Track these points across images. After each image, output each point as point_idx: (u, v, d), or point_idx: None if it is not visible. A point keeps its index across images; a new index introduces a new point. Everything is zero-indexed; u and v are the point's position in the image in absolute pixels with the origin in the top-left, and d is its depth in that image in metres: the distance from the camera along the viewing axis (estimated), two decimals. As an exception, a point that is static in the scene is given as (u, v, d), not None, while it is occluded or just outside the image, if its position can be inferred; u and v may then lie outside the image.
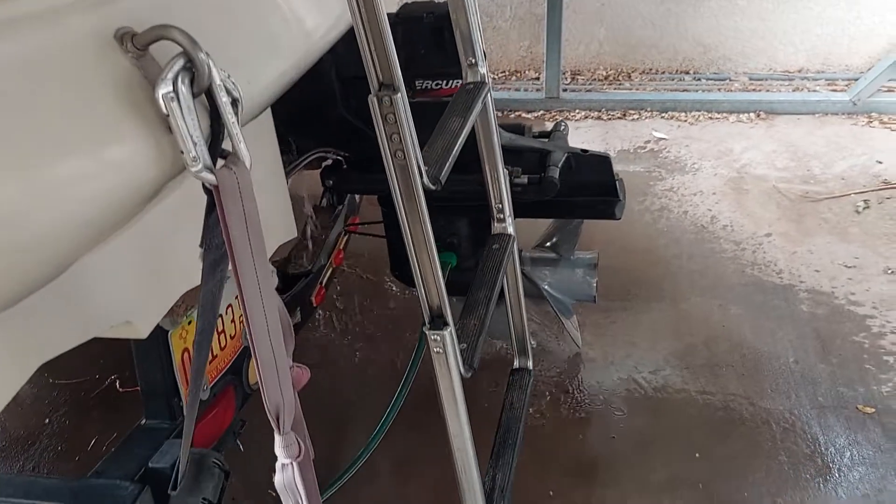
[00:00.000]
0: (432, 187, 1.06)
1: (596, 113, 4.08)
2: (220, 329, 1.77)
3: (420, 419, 2.21)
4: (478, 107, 1.31)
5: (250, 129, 1.61)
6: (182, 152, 0.72)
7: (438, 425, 2.23)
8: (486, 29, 4.44)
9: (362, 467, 2.07)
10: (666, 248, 3.03)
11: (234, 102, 0.77)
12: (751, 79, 4.15)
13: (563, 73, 4.30)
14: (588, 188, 2.12)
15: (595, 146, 3.79)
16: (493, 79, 4.48)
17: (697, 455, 2.15)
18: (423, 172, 1.03)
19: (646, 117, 4.01)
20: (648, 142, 3.80)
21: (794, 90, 4.03)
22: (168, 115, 0.71)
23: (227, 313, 1.79)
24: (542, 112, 4.13)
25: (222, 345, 1.78)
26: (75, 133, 0.70)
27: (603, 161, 2.10)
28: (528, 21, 4.36)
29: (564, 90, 4.16)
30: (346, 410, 2.42)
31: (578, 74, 4.42)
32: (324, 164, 2.23)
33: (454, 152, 1.14)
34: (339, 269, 2.56)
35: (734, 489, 2.05)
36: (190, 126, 0.72)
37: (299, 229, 2.37)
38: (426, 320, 1.12)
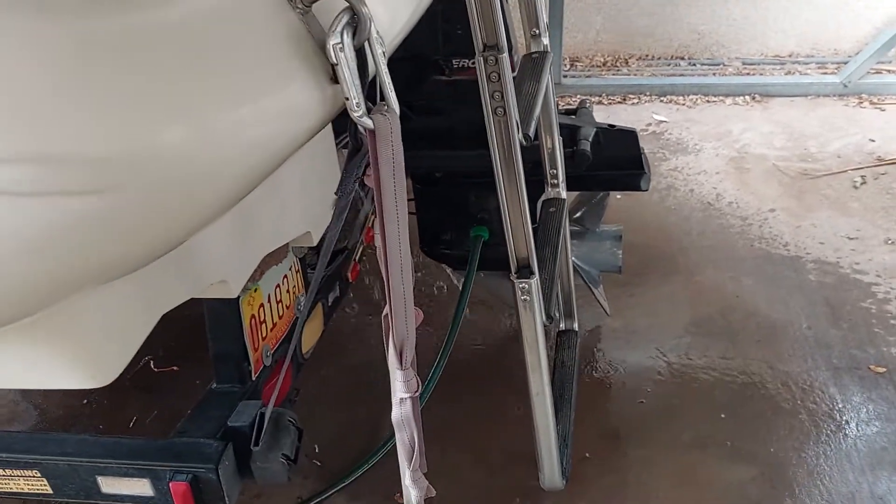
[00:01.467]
0: (524, 142, 1.13)
1: (597, 98, 4.18)
2: (277, 299, 1.83)
3: (456, 392, 2.29)
4: (546, 73, 1.39)
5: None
6: (347, 99, 0.79)
7: (474, 396, 2.30)
8: (485, 18, 4.52)
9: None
10: (676, 225, 3.14)
11: (383, 54, 0.84)
12: (744, 63, 4.29)
13: (563, 60, 4.40)
14: (616, 161, 2.21)
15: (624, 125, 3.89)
16: (493, 67, 4.56)
17: (723, 416, 2.26)
18: (520, 128, 1.11)
19: (645, 101, 4.12)
20: (650, 125, 3.91)
21: (786, 74, 4.16)
22: (336, 65, 0.78)
23: (283, 282, 1.86)
24: (543, 98, 4.22)
25: (280, 314, 1.84)
26: (251, 81, 0.76)
27: (629, 135, 2.19)
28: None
29: (565, 76, 4.26)
30: (381, 386, 2.49)
31: (577, 61, 4.52)
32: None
33: (536, 113, 1.22)
34: (369, 247, 2.63)
35: (760, 446, 2.15)
36: (353, 74, 0.79)
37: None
38: (513, 269, 1.20)
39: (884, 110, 3.82)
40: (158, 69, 0.72)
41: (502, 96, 1.06)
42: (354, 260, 2.43)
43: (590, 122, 2.24)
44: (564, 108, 2.39)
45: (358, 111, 0.81)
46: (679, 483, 2.07)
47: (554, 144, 1.62)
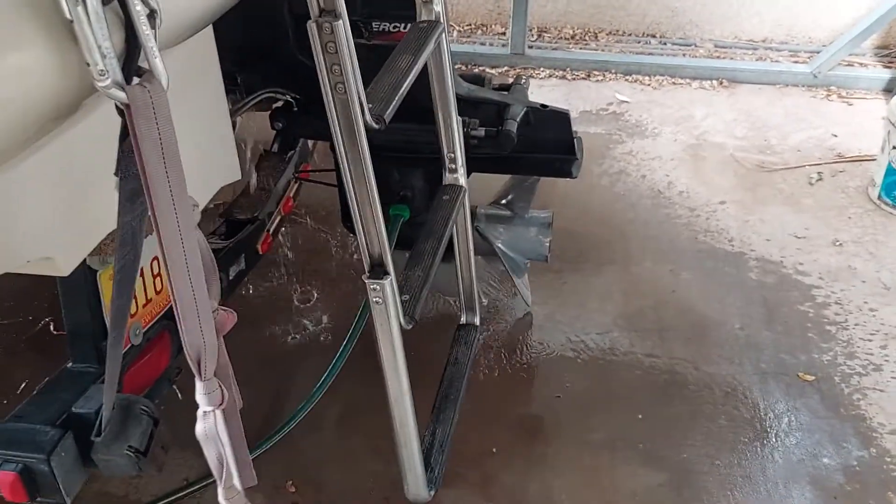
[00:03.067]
0: (375, 126, 1.00)
1: (561, 72, 4.03)
2: (155, 272, 1.70)
3: (368, 371, 2.18)
4: (430, 46, 1.25)
5: (192, 61, 1.53)
6: (88, 64, 0.65)
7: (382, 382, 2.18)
8: (453, -20, 4.33)
9: (307, 418, 2.04)
10: (622, 212, 3.02)
11: (152, 14, 0.70)
12: (716, 46, 4.13)
13: (530, 30, 4.22)
14: (546, 145, 2.08)
15: (558, 105, 3.73)
16: (458, 31, 4.39)
17: (640, 416, 2.17)
18: (366, 109, 0.97)
19: (610, 79, 3.97)
20: (611, 104, 3.77)
21: (757, 59, 4.02)
22: (72, 21, 0.64)
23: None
24: (506, 68, 4.06)
25: (158, 288, 1.71)
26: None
27: (562, 117, 2.06)
28: (497, -26, 4.26)
29: (530, 47, 4.09)
30: (291, 362, 2.38)
31: (545, 31, 4.35)
32: (274, 105, 2.15)
33: (401, 91, 1.08)
34: (288, 218, 2.49)
35: (673, 450, 2.07)
36: (98, 35, 0.65)
37: (245, 172, 2.29)
38: (366, 269, 1.07)
39: (851, 104, 3.69)
40: None
41: (342, 70, 0.92)
42: (268, 231, 2.29)
43: (521, 100, 2.09)
44: (498, 83, 2.24)
45: (103, 80, 0.67)
46: (583, 485, 1.99)
47: (451, 126, 1.48)
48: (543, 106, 2.05)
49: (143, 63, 0.72)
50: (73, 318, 1.48)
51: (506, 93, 2.15)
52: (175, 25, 0.85)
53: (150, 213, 0.78)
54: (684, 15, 4.15)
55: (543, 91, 3.89)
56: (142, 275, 1.64)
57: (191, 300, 0.84)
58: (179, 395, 2.22)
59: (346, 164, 0.99)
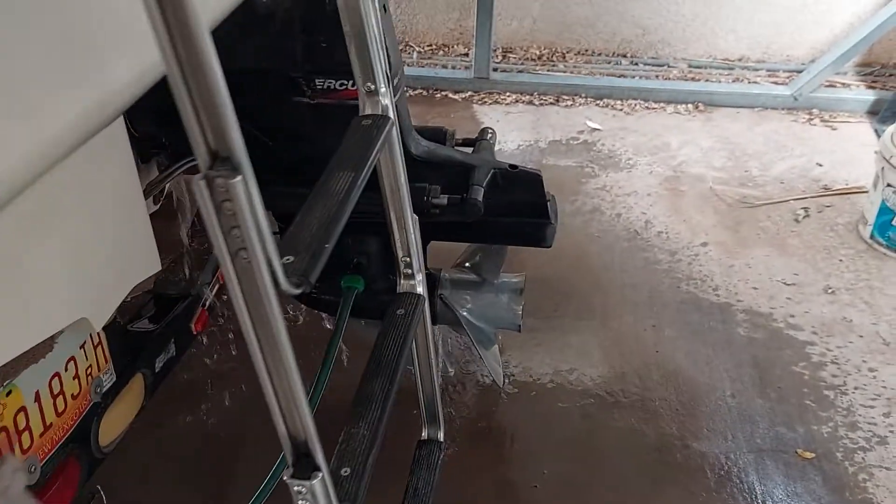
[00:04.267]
0: (296, 292, 0.75)
1: (528, 97, 3.79)
2: (55, 391, 1.42)
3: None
4: (377, 150, 0.99)
5: (94, 144, 1.27)
6: None
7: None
8: (412, -3, 4.07)
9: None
10: (598, 256, 2.79)
11: None
12: (690, 66, 3.93)
13: (494, 51, 3.98)
14: (516, 209, 1.83)
15: (526, 135, 3.51)
16: (419, 52, 4.12)
17: (627, 506, 1.94)
18: (279, 274, 0.71)
19: (580, 104, 3.74)
20: (582, 132, 3.54)
21: (733, 80, 3.82)
22: None
23: (66, 369, 1.44)
24: (470, 93, 3.81)
25: (59, 409, 1.43)
26: None
27: (533, 179, 1.81)
28: (458, -9, 4.01)
29: (495, 69, 3.85)
30: (232, 447, 2.11)
31: (510, 52, 4.10)
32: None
33: (339, 226, 0.83)
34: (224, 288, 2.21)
35: (666, 550, 1.85)
36: None
37: (178, 246, 2.02)
38: (289, 462, 0.81)
39: (835, 129, 3.51)
40: None
41: (242, 234, 0.66)
42: (203, 307, 2.02)
43: (488, 160, 1.85)
44: (462, 138, 1.99)
45: None
46: None
47: (406, 227, 1.22)
48: (512, 167, 1.81)
49: None
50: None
51: (470, 150, 1.91)
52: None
53: None
54: (655, 33, 3.94)
55: (510, 118, 3.65)
56: (38, 399, 1.36)
57: None
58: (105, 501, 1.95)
59: (254, 341, 0.73)
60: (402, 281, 1.26)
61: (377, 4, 1.07)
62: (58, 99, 0.69)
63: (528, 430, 2.14)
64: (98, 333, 1.54)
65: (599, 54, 4.05)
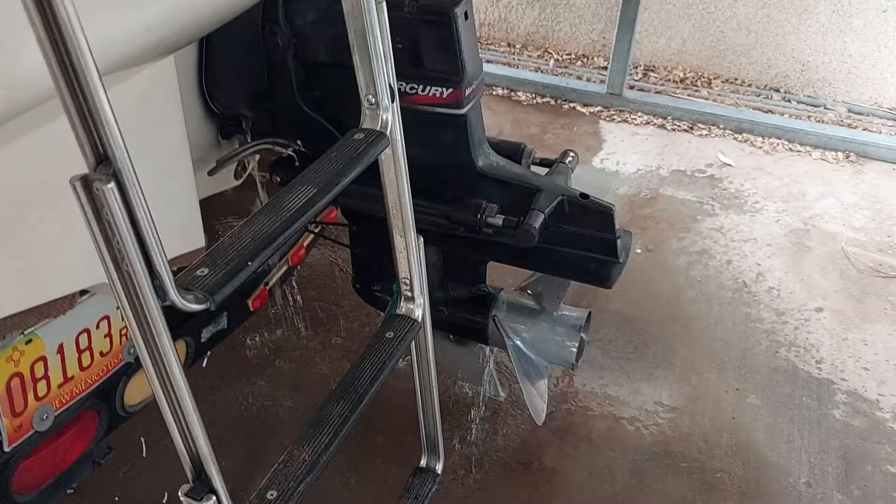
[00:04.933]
0: (190, 307, 0.70)
1: (660, 120, 3.58)
2: (82, 346, 1.48)
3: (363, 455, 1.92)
4: (361, 167, 0.93)
5: (143, 106, 1.29)
6: None
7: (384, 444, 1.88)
8: (558, 4, 3.95)
9: None
10: (693, 302, 2.58)
11: None
12: (850, 111, 3.56)
13: (636, 67, 3.79)
14: (580, 241, 1.71)
15: (649, 160, 3.31)
16: (556, 61, 4.00)
17: (656, 584, 1.78)
18: (168, 286, 0.67)
19: (716, 135, 3.49)
20: (711, 165, 3.30)
21: (897, 133, 3.43)
22: None
23: (97, 327, 1.50)
24: (599, 108, 3.65)
25: (84, 364, 1.48)
26: None
27: (604, 213, 1.68)
28: (607, 2, 3.85)
29: (632, 87, 3.67)
30: (268, 426, 2.13)
31: (652, 71, 3.90)
32: (274, 157, 1.89)
33: (270, 248, 0.77)
34: (295, 269, 2.23)
35: None
36: None
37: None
38: (189, 478, 0.77)
39: None
40: None
41: (122, 242, 0.62)
42: (265, 285, 2.05)
43: (559, 185, 1.73)
44: (541, 158, 1.89)
45: None
46: None
47: (408, 246, 1.15)
48: (583, 195, 1.68)
49: None
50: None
51: (543, 172, 1.80)
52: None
53: None
54: (816, 71, 3.60)
55: (636, 140, 3.46)
56: (61, 351, 1.42)
57: None
58: (144, 453, 2.03)
59: (149, 365, 0.69)
60: (401, 303, 1.19)
61: (382, 14, 1.01)
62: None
63: (569, 475, 2.01)
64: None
65: (749, 85, 3.76)
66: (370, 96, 1.02)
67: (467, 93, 1.62)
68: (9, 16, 0.69)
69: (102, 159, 0.62)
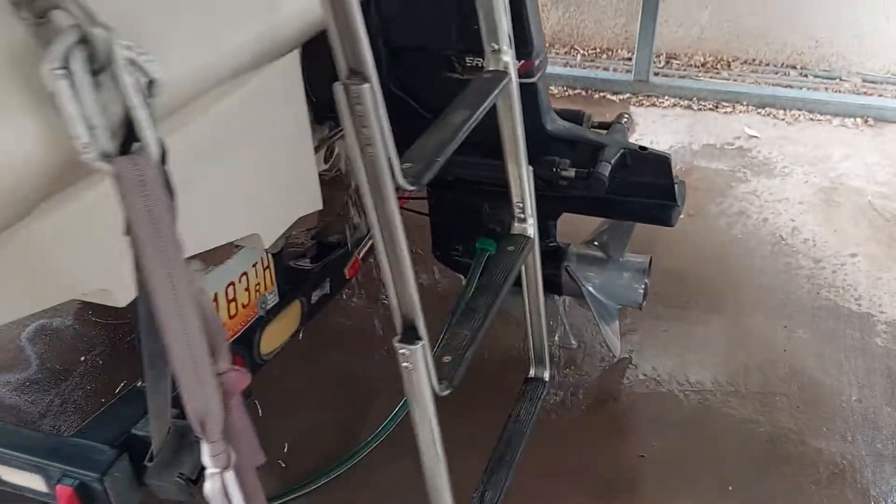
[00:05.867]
0: (409, 187, 0.95)
1: (686, 101, 3.83)
2: (230, 297, 1.73)
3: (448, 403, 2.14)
4: (491, 100, 1.18)
5: (274, 92, 1.54)
6: (72, 136, 0.65)
7: (472, 408, 2.11)
8: (582, 2, 4.23)
9: (382, 446, 2.01)
10: (737, 257, 2.81)
11: (151, 83, 0.68)
12: (864, 81, 3.79)
13: (658, 56, 4.05)
14: (643, 189, 1.95)
15: (681, 137, 3.56)
16: (582, 55, 4.27)
17: (730, 488, 1.99)
18: (398, 170, 0.92)
19: (740, 111, 3.73)
20: (738, 138, 3.54)
21: (912, 97, 3.65)
22: (54, 94, 0.63)
23: (240, 281, 1.75)
24: (628, 95, 3.91)
25: (231, 313, 1.74)
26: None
27: (662, 161, 1.92)
28: (627, -2, 4.12)
29: (656, 74, 3.92)
30: (371, 386, 2.37)
31: (674, 58, 4.15)
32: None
33: (449, 148, 1.03)
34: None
35: (764, 532, 1.88)
36: (86, 107, 0.64)
37: (343, 197, 2.30)
38: (398, 330, 1.02)
39: None
40: None
41: (369, 132, 0.88)
42: (357, 255, 2.30)
43: (619, 141, 1.98)
44: (598, 121, 2.14)
45: (88, 153, 0.66)
46: (657, 559, 1.85)
47: (521, 174, 1.40)
48: (643, 148, 1.93)
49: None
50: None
51: (603, 132, 2.05)
52: (189, 89, 0.83)
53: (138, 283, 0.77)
54: (830, 46, 3.84)
55: (666, 121, 3.71)
56: (216, 300, 1.67)
57: (189, 365, 0.82)
58: (260, 412, 2.27)
59: (376, 225, 0.95)
60: (515, 224, 1.44)
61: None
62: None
63: (642, 407, 2.24)
64: (267, 257, 1.85)
65: (767, 64, 4.00)
66: (493, 44, 1.28)
67: (536, 63, 1.87)
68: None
69: (353, 70, 0.88)
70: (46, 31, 0.64)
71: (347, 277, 2.27)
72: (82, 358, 2.47)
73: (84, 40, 0.63)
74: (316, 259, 2.17)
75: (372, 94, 0.89)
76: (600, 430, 2.18)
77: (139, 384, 1.58)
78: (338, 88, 0.90)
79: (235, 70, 0.98)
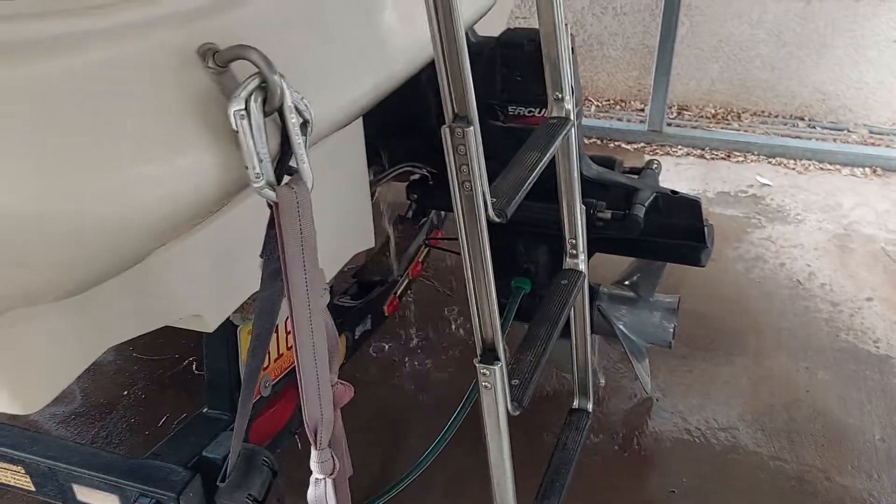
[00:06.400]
0: (497, 219, 1.05)
1: (699, 151, 3.96)
2: (288, 329, 1.81)
3: (477, 440, 2.20)
4: (558, 142, 1.29)
5: (338, 139, 1.65)
6: (247, 167, 0.74)
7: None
8: (596, 57, 4.40)
9: (413, 484, 2.07)
10: (756, 300, 2.90)
11: (305, 123, 0.79)
12: (871, 132, 3.93)
13: (670, 107, 4.20)
14: (675, 230, 2.05)
15: (695, 185, 3.68)
16: (597, 106, 4.43)
17: (761, 523, 2.05)
18: (490, 205, 1.02)
19: (751, 161, 3.86)
20: (751, 186, 3.66)
21: (918, 148, 3.79)
22: (237, 132, 0.73)
23: (297, 315, 1.83)
24: (642, 145, 4.05)
25: (290, 344, 1.82)
26: (149, 140, 0.73)
27: (692, 205, 2.03)
28: (640, 52, 4.29)
29: (669, 124, 4.06)
30: (403, 425, 2.43)
31: (686, 110, 4.31)
32: (411, 177, 2.26)
33: (526, 186, 1.13)
34: (415, 281, 2.58)
35: (796, 567, 1.93)
36: (258, 143, 0.74)
37: (380, 239, 2.41)
38: (478, 352, 1.11)
39: None
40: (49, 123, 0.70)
41: (469, 171, 0.98)
42: (395, 294, 2.39)
43: (651, 185, 2.09)
44: (629, 167, 2.25)
45: (258, 182, 0.76)
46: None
47: (575, 213, 1.50)
48: (674, 192, 2.04)
49: (293, 162, 0.80)
50: (212, 367, 1.60)
51: (636, 177, 2.16)
52: (326, 127, 0.94)
53: (285, 293, 0.86)
54: (836, 99, 3.99)
55: (680, 169, 3.84)
56: (276, 331, 1.75)
57: (313, 375, 0.91)
58: (299, 445, 2.33)
59: (466, 254, 1.04)
60: (567, 259, 1.54)
61: (569, 36, 1.39)
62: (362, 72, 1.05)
63: (671, 444, 2.30)
64: (320, 294, 1.94)
65: (776, 116, 4.15)
66: (557, 93, 1.40)
67: (576, 111, 1.99)
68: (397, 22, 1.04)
69: (457, 115, 0.99)
70: (225, 78, 0.75)
71: (386, 314, 2.36)
72: (125, 392, 2.53)
73: (262, 86, 0.73)
74: (357, 297, 2.26)
75: (474, 136, 0.99)
76: (630, 467, 2.23)
77: (205, 411, 1.65)
78: (445, 131, 1.00)
79: (355, 115, 1.08)
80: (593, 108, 4.42)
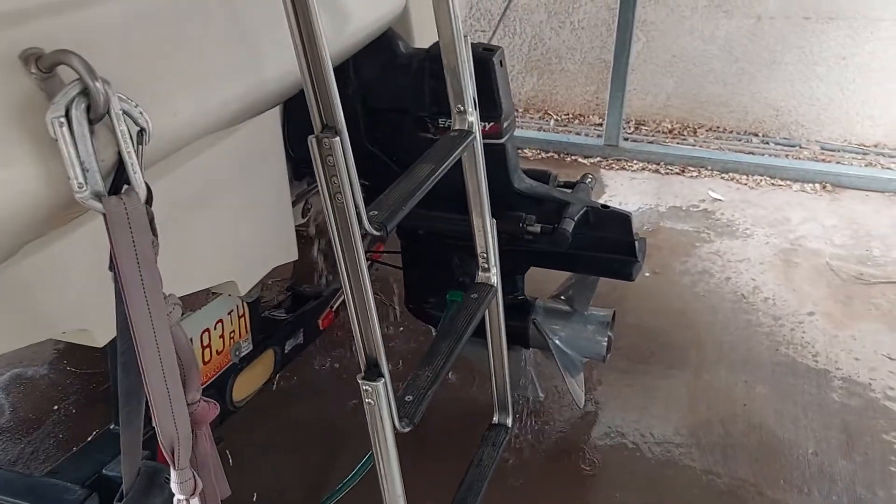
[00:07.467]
0: (377, 233, 1.03)
1: (654, 166, 3.98)
2: (205, 343, 1.79)
3: (418, 453, 2.17)
4: (455, 155, 1.28)
5: (256, 146, 1.63)
6: (69, 177, 0.72)
7: (435, 459, 2.15)
8: (554, 70, 4.42)
9: (351, 495, 2.04)
10: (700, 313, 2.91)
11: (142, 131, 0.77)
12: (822, 148, 3.98)
13: (627, 122, 4.22)
14: (605, 244, 2.05)
15: (648, 200, 3.70)
16: (556, 120, 4.44)
17: (691, 539, 2.04)
18: (364, 217, 1.01)
19: (705, 176, 3.89)
20: (703, 201, 3.68)
21: (866, 165, 3.83)
22: (56, 140, 0.71)
23: (214, 328, 1.81)
24: (599, 159, 4.06)
25: (206, 359, 1.79)
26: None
27: (623, 219, 2.03)
28: (597, 67, 4.31)
29: (626, 139, 4.09)
30: (336, 437, 2.40)
31: (643, 125, 4.33)
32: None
33: (413, 200, 1.11)
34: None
35: (723, 583, 1.92)
36: (81, 152, 0.72)
37: (315, 251, 2.38)
38: (362, 368, 1.09)
39: (970, 219, 3.44)
40: None
41: (339, 182, 0.96)
42: (331, 308, 2.36)
43: (582, 199, 2.09)
44: (564, 180, 2.25)
45: (81, 193, 0.73)
46: None
47: (485, 226, 1.49)
48: (605, 206, 2.04)
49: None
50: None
51: (568, 191, 2.16)
52: (176, 138, 0.92)
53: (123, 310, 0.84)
54: (789, 115, 4.04)
55: (634, 184, 3.86)
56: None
57: (163, 393, 0.88)
58: (230, 461, 2.29)
59: (343, 268, 1.03)
60: (479, 273, 1.52)
61: (469, 47, 1.38)
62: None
63: (606, 458, 2.29)
64: (242, 305, 1.91)
65: (731, 132, 4.19)
66: (459, 105, 1.39)
67: (505, 125, 1.99)
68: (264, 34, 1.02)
69: (326, 125, 0.97)
70: (52, 84, 0.73)
71: (321, 329, 2.33)
72: (55, 407, 2.48)
73: (85, 93, 0.71)
74: (290, 310, 2.23)
75: (342, 146, 0.97)
76: (561, 485, 2.22)
77: (112, 427, 1.61)
78: (312, 140, 0.99)
79: (219, 123, 1.06)
80: (552, 122, 4.44)
